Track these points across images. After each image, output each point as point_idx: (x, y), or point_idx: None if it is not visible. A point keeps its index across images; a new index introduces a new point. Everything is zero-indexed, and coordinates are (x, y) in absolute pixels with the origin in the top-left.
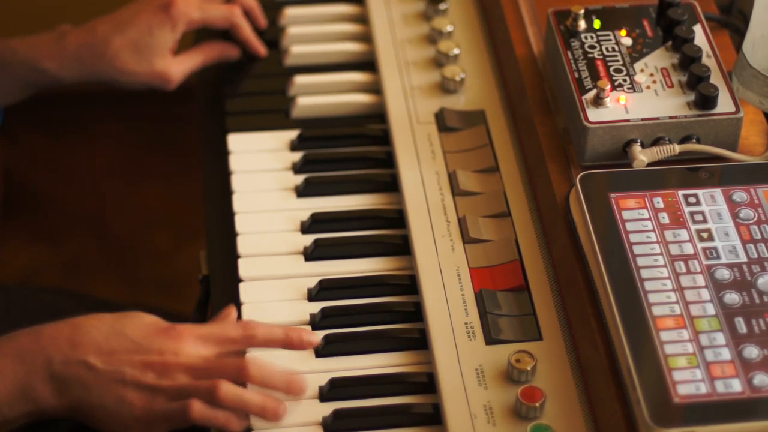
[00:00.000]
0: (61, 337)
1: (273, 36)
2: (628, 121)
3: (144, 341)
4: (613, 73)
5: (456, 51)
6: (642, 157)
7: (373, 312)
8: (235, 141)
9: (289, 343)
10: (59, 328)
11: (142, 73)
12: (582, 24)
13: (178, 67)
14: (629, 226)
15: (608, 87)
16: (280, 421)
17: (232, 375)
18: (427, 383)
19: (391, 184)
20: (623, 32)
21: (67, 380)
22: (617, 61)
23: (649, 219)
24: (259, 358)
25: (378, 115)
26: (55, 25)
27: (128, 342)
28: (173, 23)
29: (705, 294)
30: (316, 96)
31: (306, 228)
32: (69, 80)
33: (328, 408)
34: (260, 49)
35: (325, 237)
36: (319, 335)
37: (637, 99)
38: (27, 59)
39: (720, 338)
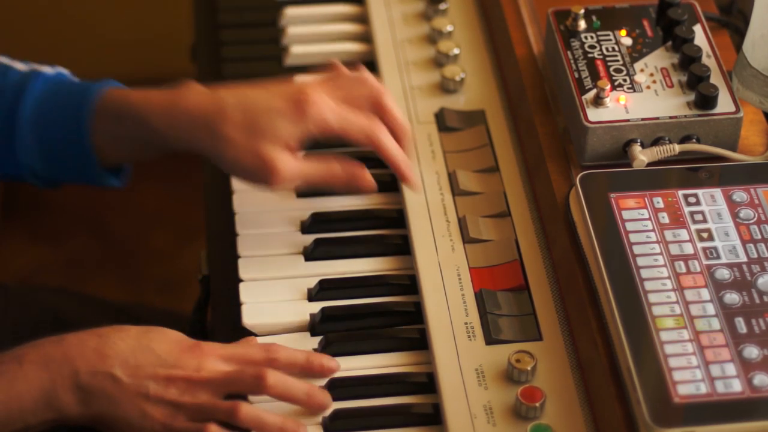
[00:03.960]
0: (87, 347)
1: (273, 36)
2: (628, 121)
3: (169, 357)
4: (613, 73)
5: (456, 51)
6: (642, 157)
7: (373, 312)
8: None
9: (309, 368)
10: (85, 338)
11: (245, 151)
12: (582, 24)
13: (289, 163)
14: (629, 226)
15: (608, 87)
16: None
17: (251, 385)
18: (427, 383)
19: (391, 184)
20: (623, 32)
21: (92, 391)
22: (617, 61)
23: (649, 219)
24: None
25: None
26: (55, 24)
27: (154, 357)
28: (303, 122)
29: (705, 294)
30: None
31: (306, 228)
32: (177, 145)
33: (328, 408)
34: (411, 178)
35: (325, 237)
36: (336, 360)
37: (637, 99)
38: (138, 113)
39: (720, 338)
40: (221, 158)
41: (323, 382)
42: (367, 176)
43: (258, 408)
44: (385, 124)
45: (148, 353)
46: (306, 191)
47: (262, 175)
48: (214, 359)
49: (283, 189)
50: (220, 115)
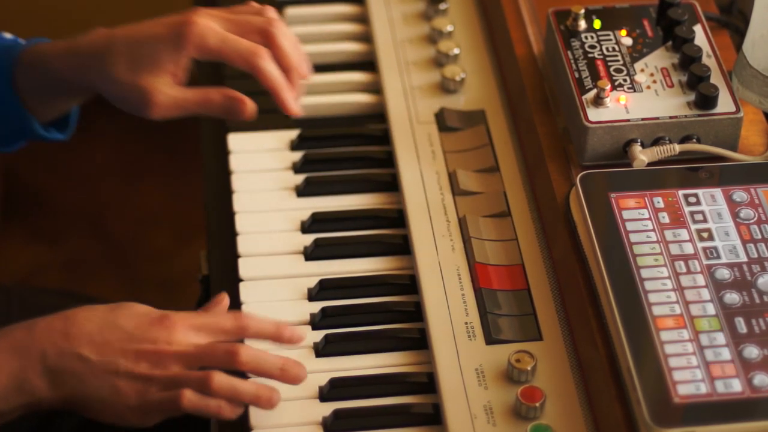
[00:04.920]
0: (54, 329)
1: None
2: (628, 120)
3: (137, 331)
4: (613, 73)
5: (456, 51)
6: (642, 156)
7: (373, 312)
8: (235, 141)
9: (278, 337)
10: (52, 321)
11: (125, 82)
12: (582, 24)
13: (167, 93)
14: (629, 226)
15: (608, 87)
16: (274, 408)
17: (223, 360)
18: (427, 383)
19: (391, 184)
20: (623, 32)
21: (61, 372)
22: (617, 60)
23: (649, 219)
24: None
25: (378, 115)
26: (55, 24)
27: (121, 333)
28: (181, 44)
29: (705, 294)
30: (316, 96)
31: (306, 228)
32: (77, 85)
33: (328, 408)
34: (289, 106)
35: (325, 237)
36: (313, 333)
37: (638, 99)
38: (44, 58)
39: (720, 338)
40: (107, 92)
41: (323, 380)
42: (246, 104)
43: (231, 377)
44: (275, 56)
45: (115, 330)
46: (306, 191)
47: (141, 105)
48: (185, 330)
49: (162, 117)
50: (109, 51)
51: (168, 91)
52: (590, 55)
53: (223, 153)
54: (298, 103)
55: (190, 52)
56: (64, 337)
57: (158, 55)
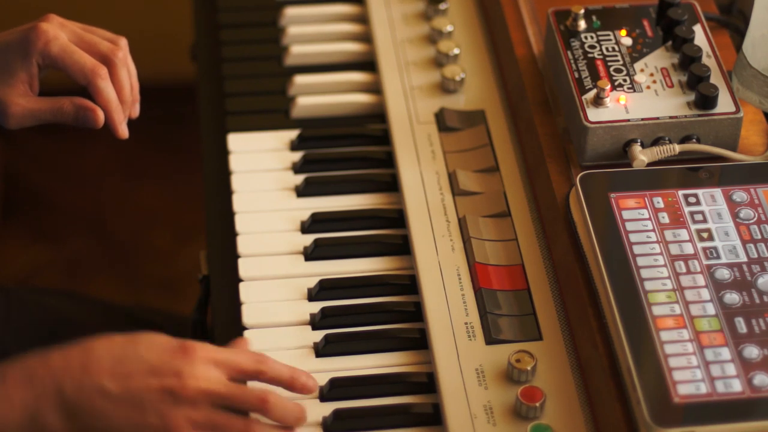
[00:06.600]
0: (71, 362)
1: (273, 36)
2: (628, 121)
3: (158, 362)
4: (613, 73)
5: (456, 51)
6: (642, 157)
7: (373, 312)
8: (235, 141)
9: (291, 386)
10: (69, 353)
11: None
12: (582, 24)
13: (21, 105)
14: (629, 226)
15: (608, 87)
16: None
17: (254, 406)
18: (427, 383)
19: (391, 184)
20: (623, 32)
21: (78, 407)
22: (617, 61)
23: (649, 219)
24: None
25: (378, 115)
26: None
27: (143, 363)
28: (29, 50)
29: (705, 294)
30: (316, 96)
31: (306, 228)
32: None
33: (328, 408)
34: (118, 128)
35: (325, 237)
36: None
37: (637, 99)
38: None
39: (720, 338)
40: None
41: (323, 380)
42: (97, 113)
43: (271, 427)
44: (113, 80)
45: (136, 361)
46: (306, 191)
47: None
48: (205, 364)
49: (18, 127)
50: None
51: (23, 102)
52: (590, 55)
53: (223, 153)
54: (125, 126)
55: (35, 61)
56: (83, 370)
57: (11, 63)
